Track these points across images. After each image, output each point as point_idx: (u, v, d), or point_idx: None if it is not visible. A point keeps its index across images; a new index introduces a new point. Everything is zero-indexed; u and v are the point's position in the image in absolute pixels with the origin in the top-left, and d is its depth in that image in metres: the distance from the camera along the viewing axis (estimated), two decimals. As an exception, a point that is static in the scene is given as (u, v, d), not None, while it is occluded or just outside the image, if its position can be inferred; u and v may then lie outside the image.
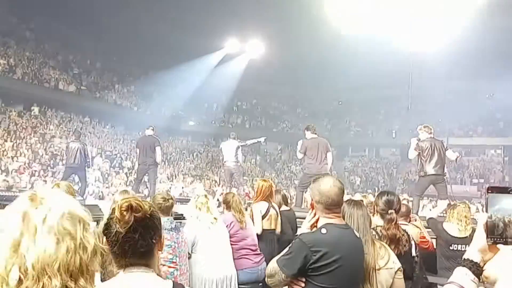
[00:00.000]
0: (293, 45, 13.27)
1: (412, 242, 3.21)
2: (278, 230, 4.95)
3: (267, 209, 4.96)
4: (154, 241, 1.56)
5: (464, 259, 1.22)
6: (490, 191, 1.21)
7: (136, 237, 1.50)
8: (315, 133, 7.84)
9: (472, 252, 1.21)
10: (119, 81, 18.15)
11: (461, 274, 1.20)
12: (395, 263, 2.68)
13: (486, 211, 1.20)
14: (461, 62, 16.06)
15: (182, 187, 14.03)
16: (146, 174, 9.39)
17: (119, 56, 17.30)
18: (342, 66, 16.82)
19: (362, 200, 3.34)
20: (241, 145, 9.01)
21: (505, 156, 27.31)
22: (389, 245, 2.78)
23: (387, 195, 3.22)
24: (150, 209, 1.58)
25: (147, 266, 1.54)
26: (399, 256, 2.76)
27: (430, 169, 6.77)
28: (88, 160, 9.68)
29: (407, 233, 3.19)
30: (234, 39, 14.50)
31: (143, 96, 16.97)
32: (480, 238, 1.20)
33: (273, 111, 23.28)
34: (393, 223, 3.02)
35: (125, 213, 1.51)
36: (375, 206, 3.17)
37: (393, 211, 3.06)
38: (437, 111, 21.64)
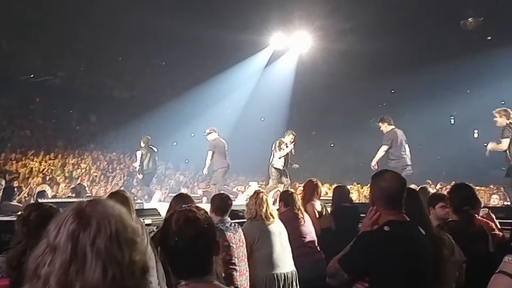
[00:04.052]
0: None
1: (490, 238, 3.02)
2: (332, 226, 4.92)
3: (322, 207, 4.95)
4: (211, 250, 1.58)
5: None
6: None
7: (195, 250, 1.51)
8: (392, 124, 7.69)
9: None
10: (172, 88, 18.50)
11: (511, 263, 1.13)
12: (461, 256, 2.56)
13: None
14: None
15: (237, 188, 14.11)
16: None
17: (168, 61, 17.63)
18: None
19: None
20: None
21: None
22: (465, 244, 2.62)
23: (465, 190, 3.04)
24: (206, 219, 1.59)
25: (207, 275, 1.53)
26: (477, 255, 2.61)
27: None
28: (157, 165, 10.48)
29: (484, 229, 3.01)
30: (280, 33, 14.26)
31: (198, 102, 17.18)
32: None
33: (323, 104, 22.90)
34: (470, 220, 2.87)
35: (183, 226, 1.53)
36: (450, 201, 3.00)
37: (468, 207, 2.89)
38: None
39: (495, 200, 8.42)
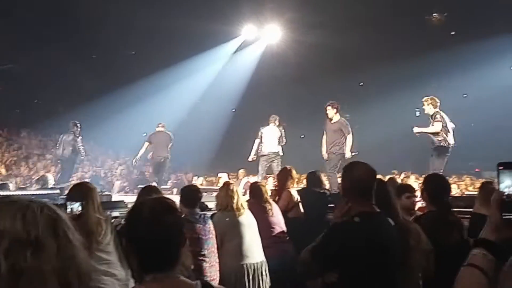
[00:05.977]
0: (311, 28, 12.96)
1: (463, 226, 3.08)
2: (301, 214, 4.92)
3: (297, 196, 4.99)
4: (181, 243, 1.48)
5: (480, 239, 1.17)
6: (501, 167, 1.16)
7: (169, 240, 1.42)
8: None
9: (487, 231, 1.17)
10: (138, 74, 18.19)
11: (479, 256, 1.15)
12: (428, 245, 2.62)
13: (498, 188, 1.16)
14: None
15: (205, 177, 14.09)
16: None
17: (137, 50, 17.33)
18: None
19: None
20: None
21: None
22: (444, 233, 2.69)
23: (439, 180, 3.09)
24: (178, 209, 1.51)
25: (173, 270, 1.43)
26: (454, 243, 2.67)
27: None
28: (81, 152, 10.03)
29: (459, 218, 3.08)
30: (251, 25, 14.24)
31: (161, 88, 17.00)
32: (494, 216, 1.16)
33: (294, 96, 22.96)
34: (448, 210, 2.93)
35: (157, 214, 1.42)
36: (425, 191, 3.04)
37: (445, 197, 2.95)
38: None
39: (452, 190, 8.67)
